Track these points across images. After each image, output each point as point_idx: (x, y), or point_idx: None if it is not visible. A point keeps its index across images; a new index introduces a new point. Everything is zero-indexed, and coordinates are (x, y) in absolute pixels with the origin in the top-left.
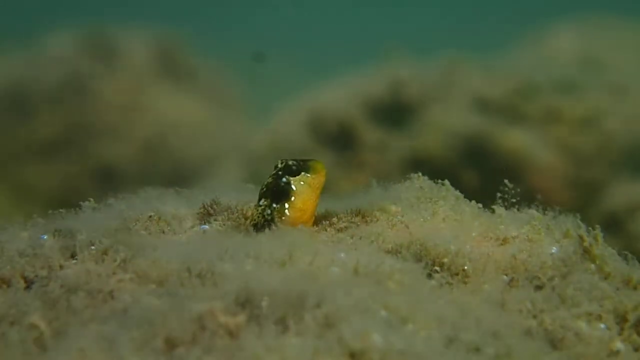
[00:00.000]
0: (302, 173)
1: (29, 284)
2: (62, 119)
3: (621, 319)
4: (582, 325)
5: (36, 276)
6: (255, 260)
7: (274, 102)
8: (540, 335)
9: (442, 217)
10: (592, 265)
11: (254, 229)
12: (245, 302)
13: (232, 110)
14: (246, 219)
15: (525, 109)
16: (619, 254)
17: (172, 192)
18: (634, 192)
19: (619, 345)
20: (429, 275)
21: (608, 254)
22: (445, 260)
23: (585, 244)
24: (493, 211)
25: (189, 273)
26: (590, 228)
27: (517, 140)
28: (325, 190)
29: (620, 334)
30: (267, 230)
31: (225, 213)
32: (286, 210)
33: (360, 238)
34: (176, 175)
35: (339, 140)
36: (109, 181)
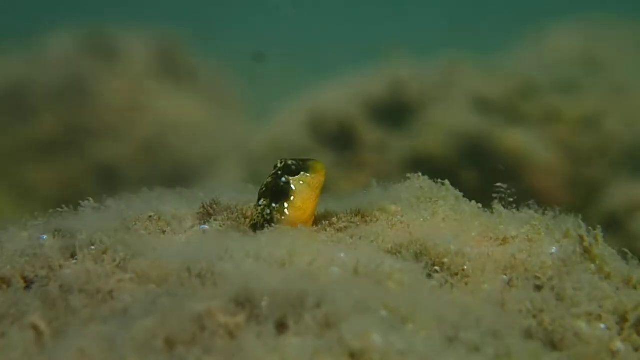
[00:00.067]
0: (302, 173)
1: (28, 283)
2: (62, 119)
3: (621, 319)
4: (582, 325)
5: (36, 276)
6: (255, 260)
7: (274, 102)
8: (540, 335)
9: (442, 217)
10: (592, 265)
11: (253, 228)
12: (245, 302)
13: (232, 110)
14: (246, 218)
15: (525, 109)
16: (619, 253)
17: (172, 192)
18: (634, 192)
19: (619, 345)
20: (429, 275)
21: (608, 254)
22: (445, 260)
23: (585, 243)
24: (493, 211)
25: (189, 273)
26: (590, 228)
27: (517, 140)
28: (325, 190)
29: (620, 334)
30: (266, 230)
31: (225, 213)
32: (286, 210)
33: (360, 238)
34: (176, 175)
35: (339, 140)
36: (109, 181)
